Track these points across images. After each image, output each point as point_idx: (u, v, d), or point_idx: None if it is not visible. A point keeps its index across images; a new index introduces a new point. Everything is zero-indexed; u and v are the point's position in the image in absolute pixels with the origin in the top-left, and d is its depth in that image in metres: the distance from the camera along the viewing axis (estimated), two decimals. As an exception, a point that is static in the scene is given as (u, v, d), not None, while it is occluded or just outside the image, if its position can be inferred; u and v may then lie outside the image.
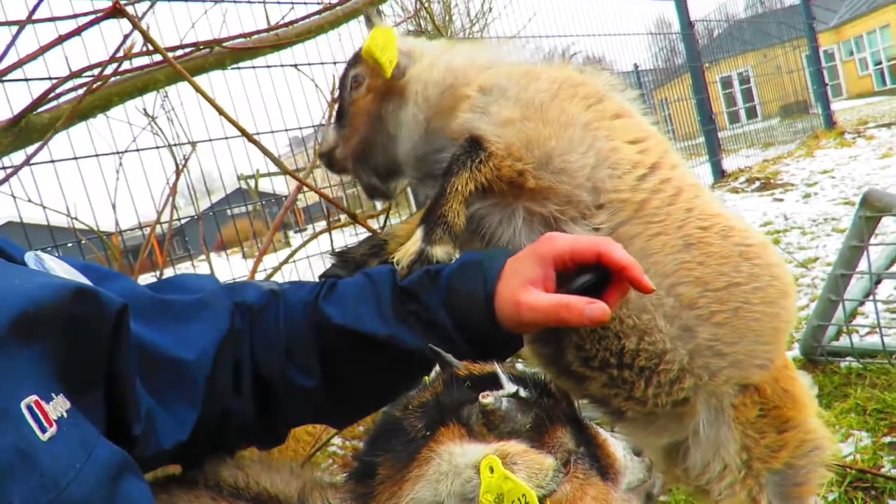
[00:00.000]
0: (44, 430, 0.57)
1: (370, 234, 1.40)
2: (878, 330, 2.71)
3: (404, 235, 1.29)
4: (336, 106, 1.46)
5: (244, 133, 1.50)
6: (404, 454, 0.74)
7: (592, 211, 1.16)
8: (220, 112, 1.48)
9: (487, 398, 0.75)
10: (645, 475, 0.88)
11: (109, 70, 1.50)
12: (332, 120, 1.46)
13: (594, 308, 0.93)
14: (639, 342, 1.14)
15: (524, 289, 0.97)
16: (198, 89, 1.45)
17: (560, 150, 1.15)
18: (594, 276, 1.01)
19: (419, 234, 1.16)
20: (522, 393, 0.79)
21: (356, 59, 1.41)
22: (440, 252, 1.13)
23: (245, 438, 1.09)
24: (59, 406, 0.62)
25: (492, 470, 0.68)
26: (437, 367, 0.92)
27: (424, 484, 0.71)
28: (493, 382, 0.80)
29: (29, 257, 0.81)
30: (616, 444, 0.87)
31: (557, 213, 1.16)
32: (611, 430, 0.95)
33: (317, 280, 1.19)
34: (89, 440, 0.63)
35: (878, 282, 3.45)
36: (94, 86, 1.52)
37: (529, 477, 0.70)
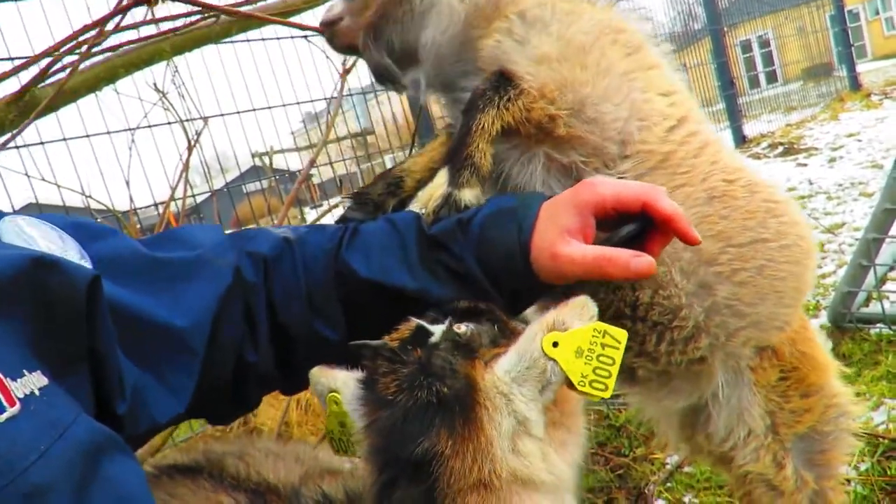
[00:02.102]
0: (2, 411, 0.54)
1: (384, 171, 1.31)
2: (910, 295, 2.64)
3: (419, 171, 1.25)
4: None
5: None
6: (457, 415, 0.71)
7: (617, 162, 1.11)
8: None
9: (461, 328, 0.81)
10: None
11: (111, 26, 1.44)
12: None
13: (640, 261, 0.88)
14: (653, 295, 1.10)
15: (562, 239, 0.91)
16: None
17: (595, 98, 1.09)
18: (638, 225, 0.94)
19: (445, 176, 1.08)
20: (453, 321, 0.83)
21: None
22: (469, 195, 1.06)
23: (266, 388, 1.06)
24: (29, 383, 0.58)
25: (555, 344, 0.74)
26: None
27: (500, 416, 0.72)
28: (423, 334, 0.81)
29: (5, 223, 0.76)
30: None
31: (582, 163, 1.10)
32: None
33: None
34: (63, 419, 0.60)
35: (910, 246, 3.35)
36: (93, 48, 1.46)
37: (582, 319, 0.78)
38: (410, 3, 1.25)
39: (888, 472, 1.91)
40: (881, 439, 2.03)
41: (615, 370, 0.74)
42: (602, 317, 1.14)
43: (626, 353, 1.15)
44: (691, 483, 2.10)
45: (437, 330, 0.81)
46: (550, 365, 0.73)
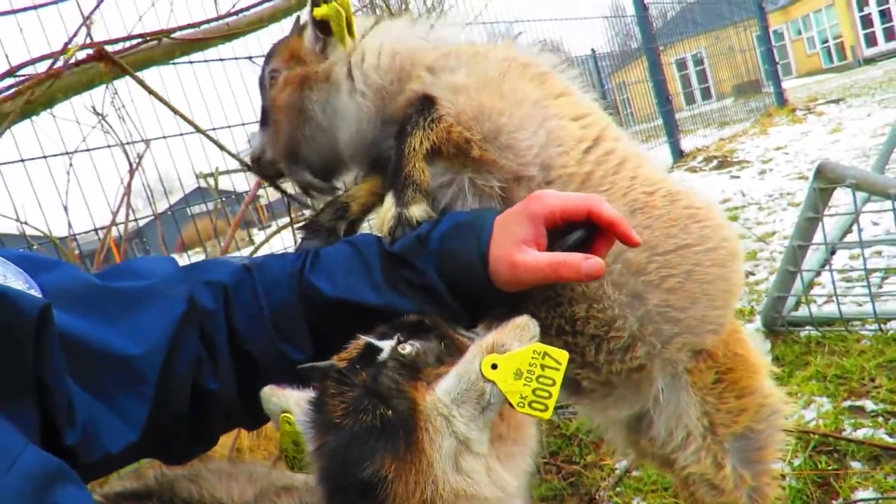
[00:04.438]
0: None
1: (330, 199, 1.34)
2: (834, 299, 2.80)
3: (363, 195, 1.28)
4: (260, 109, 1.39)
5: (197, 129, 1.46)
6: (400, 439, 0.72)
7: (542, 187, 1.16)
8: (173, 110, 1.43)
9: (405, 349, 0.81)
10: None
11: (47, 66, 1.42)
12: (259, 126, 1.37)
13: (591, 263, 0.95)
14: (588, 309, 1.15)
15: (518, 249, 0.98)
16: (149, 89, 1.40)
17: (510, 127, 1.15)
18: (585, 232, 1.02)
19: (391, 199, 1.13)
20: (401, 338, 0.84)
21: (270, 55, 1.34)
22: (417, 211, 1.11)
23: (228, 421, 1.05)
24: None
25: (494, 366, 0.74)
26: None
27: (441, 437, 0.73)
28: (372, 351, 0.82)
29: None
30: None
31: (500, 189, 1.15)
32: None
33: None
34: (12, 449, 0.60)
35: (833, 252, 3.56)
36: (34, 92, 1.44)
37: (521, 341, 0.77)
38: (315, 120, 1.30)
39: (819, 466, 2.02)
40: (812, 435, 2.14)
41: (556, 390, 0.74)
42: (545, 333, 1.18)
43: (570, 364, 1.21)
44: (639, 487, 2.17)
45: (386, 346, 0.82)
46: (489, 387, 0.74)
